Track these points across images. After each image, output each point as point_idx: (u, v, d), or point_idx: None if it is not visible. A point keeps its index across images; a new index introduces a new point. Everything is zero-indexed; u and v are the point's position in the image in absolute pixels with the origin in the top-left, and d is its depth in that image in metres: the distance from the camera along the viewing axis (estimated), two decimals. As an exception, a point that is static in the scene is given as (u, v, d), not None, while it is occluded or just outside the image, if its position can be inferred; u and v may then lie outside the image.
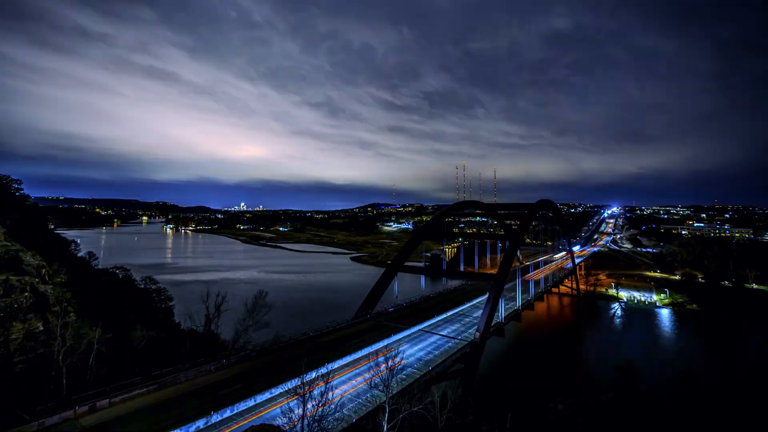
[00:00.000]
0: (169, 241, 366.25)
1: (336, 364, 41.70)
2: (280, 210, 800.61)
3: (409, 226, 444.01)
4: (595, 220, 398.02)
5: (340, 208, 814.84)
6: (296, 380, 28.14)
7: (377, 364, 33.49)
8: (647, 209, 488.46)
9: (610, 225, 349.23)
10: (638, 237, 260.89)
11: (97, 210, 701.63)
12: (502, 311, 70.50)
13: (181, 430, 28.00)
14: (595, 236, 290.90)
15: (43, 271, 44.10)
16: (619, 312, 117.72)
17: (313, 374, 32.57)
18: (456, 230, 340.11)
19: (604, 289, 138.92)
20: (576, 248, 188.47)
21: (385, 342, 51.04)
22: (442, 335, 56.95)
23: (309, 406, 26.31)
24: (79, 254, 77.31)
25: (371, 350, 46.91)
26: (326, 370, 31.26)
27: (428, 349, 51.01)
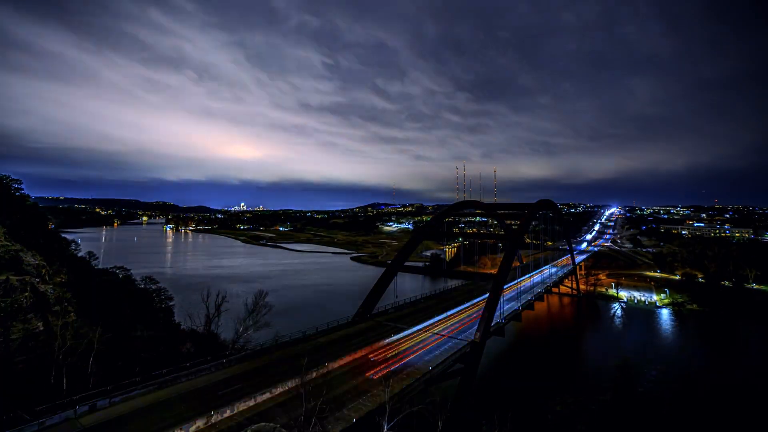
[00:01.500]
0: (170, 241, 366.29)
1: (337, 364, 41.83)
2: (280, 210, 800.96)
3: (409, 226, 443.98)
4: (594, 220, 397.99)
5: (340, 208, 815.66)
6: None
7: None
8: (647, 209, 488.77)
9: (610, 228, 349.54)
10: (638, 237, 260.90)
11: (97, 210, 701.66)
12: (502, 311, 70.54)
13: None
14: (594, 234, 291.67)
15: (43, 271, 44.11)
16: (619, 312, 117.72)
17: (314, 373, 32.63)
18: (456, 230, 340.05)
19: (604, 289, 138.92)
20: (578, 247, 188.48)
21: (386, 341, 51.10)
22: (442, 335, 56.96)
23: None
24: (79, 254, 77.29)
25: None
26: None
27: (428, 348, 51.00)
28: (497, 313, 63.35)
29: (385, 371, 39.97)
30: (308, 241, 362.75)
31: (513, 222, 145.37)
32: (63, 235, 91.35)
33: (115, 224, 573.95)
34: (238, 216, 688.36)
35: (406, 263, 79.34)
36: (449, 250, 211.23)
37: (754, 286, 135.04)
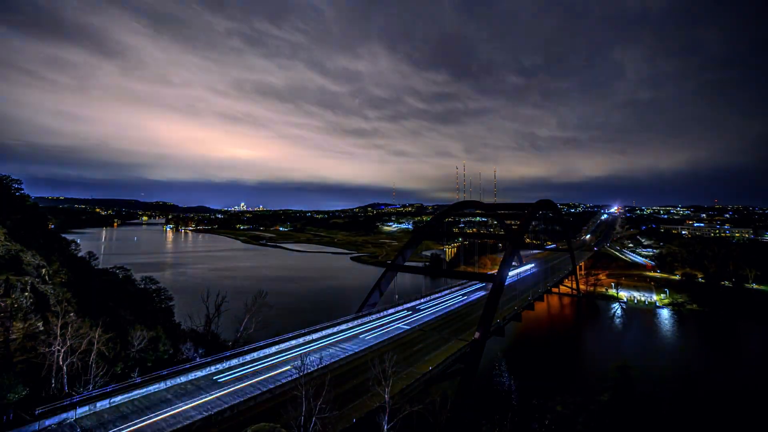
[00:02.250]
0: (169, 241, 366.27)
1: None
2: (280, 210, 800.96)
3: (409, 226, 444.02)
4: (594, 220, 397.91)
5: (340, 208, 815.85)
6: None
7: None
8: (647, 209, 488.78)
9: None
10: (638, 237, 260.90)
11: (97, 210, 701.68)
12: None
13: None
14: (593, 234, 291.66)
15: (43, 271, 44.09)
16: (619, 312, 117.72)
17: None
18: (456, 230, 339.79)
19: (604, 289, 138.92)
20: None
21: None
22: (442, 335, 56.95)
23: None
24: (79, 254, 77.26)
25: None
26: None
27: (428, 349, 50.99)
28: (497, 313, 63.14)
29: None
30: (308, 241, 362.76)
31: (513, 222, 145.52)
32: (63, 236, 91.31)
33: (115, 224, 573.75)
34: (238, 216, 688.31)
35: (406, 263, 79.36)
36: (449, 250, 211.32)
37: (754, 286, 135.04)
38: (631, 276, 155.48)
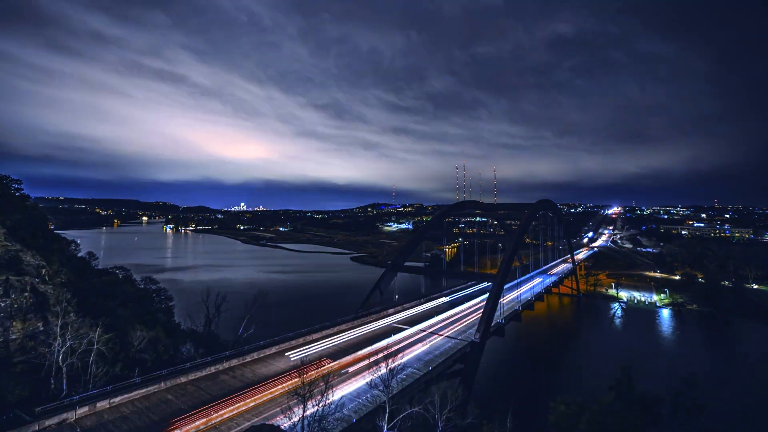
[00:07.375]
0: (169, 241, 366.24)
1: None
2: (280, 210, 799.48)
3: (409, 226, 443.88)
4: (595, 220, 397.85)
5: (340, 208, 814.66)
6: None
7: (377, 363, 33.50)
8: (647, 209, 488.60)
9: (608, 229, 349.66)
10: (638, 237, 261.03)
11: (97, 210, 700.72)
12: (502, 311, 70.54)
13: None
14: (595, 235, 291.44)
15: (43, 271, 44.04)
16: (619, 312, 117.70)
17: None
18: (456, 230, 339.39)
19: (604, 289, 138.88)
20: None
21: (385, 341, 51.04)
22: (442, 335, 56.94)
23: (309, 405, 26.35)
24: (79, 254, 77.14)
25: (372, 349, 47.01)
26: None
27: (428, 349, 51.00)
28: (497, 313, 63.15)
29: None
30: (308, 241, 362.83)
31: (513, 222, 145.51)
32: (63, 236, 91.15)
33: (115, 224, 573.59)
34: (238, 216, 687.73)
35: (406, 263, 79.38)
36: (449, 250, 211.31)
37: (754, 286, 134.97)
38: (631, 276, 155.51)
